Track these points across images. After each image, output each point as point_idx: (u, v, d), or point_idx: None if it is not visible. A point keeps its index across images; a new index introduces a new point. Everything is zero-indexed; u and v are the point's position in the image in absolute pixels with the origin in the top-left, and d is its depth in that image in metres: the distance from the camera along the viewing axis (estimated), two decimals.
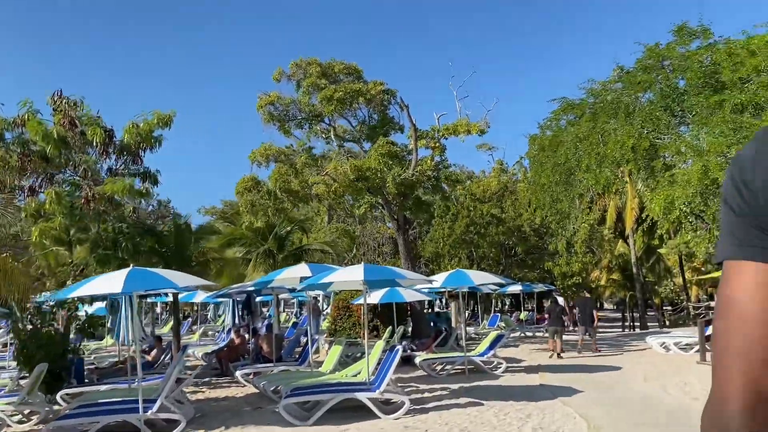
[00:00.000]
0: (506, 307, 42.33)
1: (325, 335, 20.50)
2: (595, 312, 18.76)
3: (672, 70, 15.84)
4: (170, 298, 24.80)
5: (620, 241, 40.13)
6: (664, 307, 45.86)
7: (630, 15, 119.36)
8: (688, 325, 33.06)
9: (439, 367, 14.42)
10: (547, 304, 36.73)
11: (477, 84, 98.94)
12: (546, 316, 22.70)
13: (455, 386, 11.78)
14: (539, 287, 27.86)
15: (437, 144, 19.70)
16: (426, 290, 18.55)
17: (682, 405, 9.09)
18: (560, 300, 19.45)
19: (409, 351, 16.18)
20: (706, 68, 15.06)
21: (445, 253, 31.34)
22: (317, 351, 17.41)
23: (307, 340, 15.49)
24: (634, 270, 36.52)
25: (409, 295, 15.66)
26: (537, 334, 25.91)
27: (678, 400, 9.40)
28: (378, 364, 10.59)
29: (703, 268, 46.32)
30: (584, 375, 12.77)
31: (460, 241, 30.79)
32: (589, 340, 18.07)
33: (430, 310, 32.09)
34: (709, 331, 14.16)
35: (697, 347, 15.46)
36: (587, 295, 20.21)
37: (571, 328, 23.50)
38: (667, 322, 35.00)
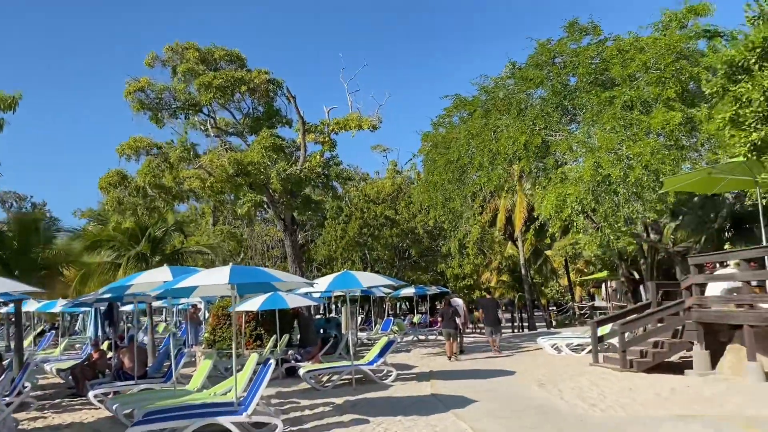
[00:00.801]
0: (400, 310, 41.89)
1: (203, 346, 18.73)
2: (500, 313, 18.34)
3: (563, 67, 15.63)
4: (31, 308, 21.99)
5: (509, 243, 40.81)
6: (550, 308, 47.28)
7: (525, 11, 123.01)
8: (574, 325, 33.89)
9: (325, 378, 13.22)
10: (440, 306, 36.66)
11: (370, 78, 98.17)
12: (439, 319, 22.13)
13: (340, 400, 10.62)
14: (432, 290, 27.37)
15: (327, 138, 18.51)
16: (317, 295, 17.32)
17: (579, 413, 8.45)
18: (459, 302, 18.74)
19: (293, 361, 14.88)
20: (597, 65, 14.94)
21: (338, 256, 30.28)
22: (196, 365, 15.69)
23: (177, 353, 13.80)
24: (523, 271, 37.15)
25: (293, 301, 14.30)
26: (430, 337, 25.37)
27: (575, 408, 8.77)
28: (251, 379, 9.25)
29: (585, 270, 48.17)
30: (477, 382, 12.03)
31: (354, 243, 29.85)
32: (495, 340, 17.62)
33: (322, 315, 30.88)
34: (600, 332, 13.93)
35: (588, 348, 15.28)
36: (488, 295, 19.80)
37: (464, 330, 23.00)
38: (554, 323, 35.77)
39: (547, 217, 13.84)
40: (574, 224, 14.19)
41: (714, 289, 12.30)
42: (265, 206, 19.09)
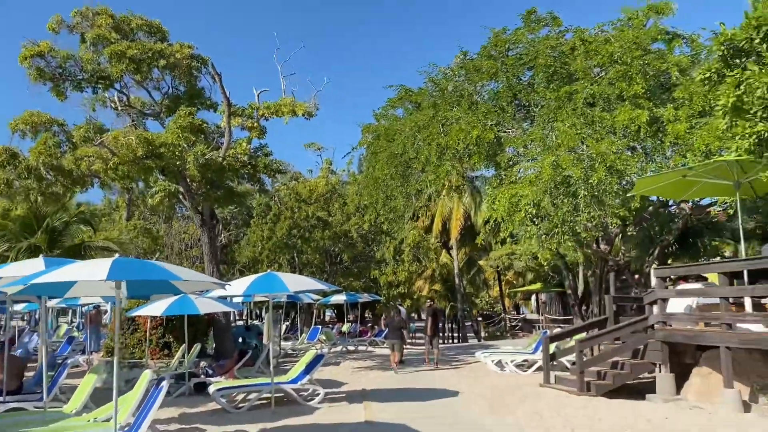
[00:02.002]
0: (327, 318, 39.98)
1: (101, 354, 16.34)
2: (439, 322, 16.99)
3: (519, 59, 14.38)
4: None
5: (444, 251, 39.77)
6: (478, 319, 46.59)
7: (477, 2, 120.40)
8: (505, 337, 33.04)
9: (240, 398, 11.28)
10: (369, 315, 35.00)
11: (306, 63, 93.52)
12: (384, 327, 20.57)
13: (255, 428, 8.77)
14: (365, 297, 25.67)
15: (256, 124, 16.53)
16: (238, 299, 15.34)
17: None
18: (403, 311, 17.29)
19: (203, 375, 12.85)
20: (556, 58, 13.75)
21: (264, 258, 28.12)
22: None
23: (60, 364, 11.54)
24: (457, 281, 36.16)
25: (206, 306, 12.24)
26: (360, 348, 23.67)
27: None
28: (142, 401, 7.32)
29: (515, 281, 47.76)
30: (419, 404, 10.45)
31: (282, 244, 27.77)
32: (434, 352, 16.23)
33: (244, 322, 28.61)
34: (553, 348, 12.65)
35: (535, 366, 14.00)
36: (433, 303, 18.32)
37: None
38: (485, 334, 34.81)
39: (500, 219, 12.47)
40: (526, 230, 12.89)
41: (677, 305, 11.25)
42: (182, 197, 16.86)
